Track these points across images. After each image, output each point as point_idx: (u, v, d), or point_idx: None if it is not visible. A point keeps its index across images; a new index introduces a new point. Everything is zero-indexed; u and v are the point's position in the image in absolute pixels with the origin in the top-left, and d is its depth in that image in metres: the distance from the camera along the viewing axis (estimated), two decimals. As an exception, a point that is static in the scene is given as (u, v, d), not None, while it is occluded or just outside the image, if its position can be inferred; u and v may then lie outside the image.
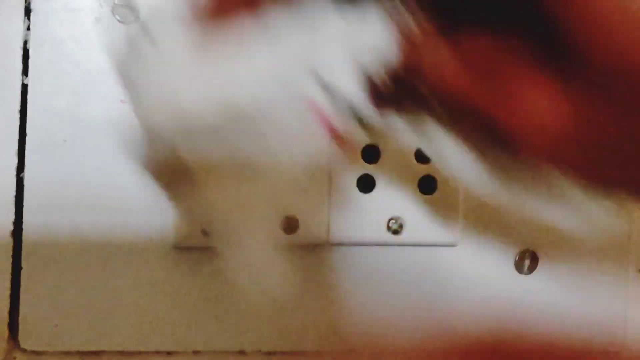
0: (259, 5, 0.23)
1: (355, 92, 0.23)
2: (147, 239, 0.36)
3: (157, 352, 0.37)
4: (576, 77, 0.19)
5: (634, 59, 0.18)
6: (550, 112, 0.20)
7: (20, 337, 0.36)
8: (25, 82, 0.35)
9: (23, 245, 0.36)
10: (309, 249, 0.37)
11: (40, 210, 0.35)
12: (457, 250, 0.38)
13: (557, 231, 0.38)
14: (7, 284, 0.35)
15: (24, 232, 0.35)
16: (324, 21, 0.23)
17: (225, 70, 0.24)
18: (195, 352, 0.37)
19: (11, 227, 0.35)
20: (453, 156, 0.25)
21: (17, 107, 0.35)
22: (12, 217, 0.35)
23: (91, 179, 0.36)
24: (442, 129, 0.25)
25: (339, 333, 0.37)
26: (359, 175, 0.37)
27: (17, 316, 0.36)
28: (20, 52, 0.35)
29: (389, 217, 0.37)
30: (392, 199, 0.37)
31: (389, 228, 0.37)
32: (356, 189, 0.37)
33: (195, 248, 0.36)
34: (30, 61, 0.35)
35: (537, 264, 0.38)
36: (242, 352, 0.37)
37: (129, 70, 0.25)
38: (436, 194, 0.37)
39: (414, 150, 0.36)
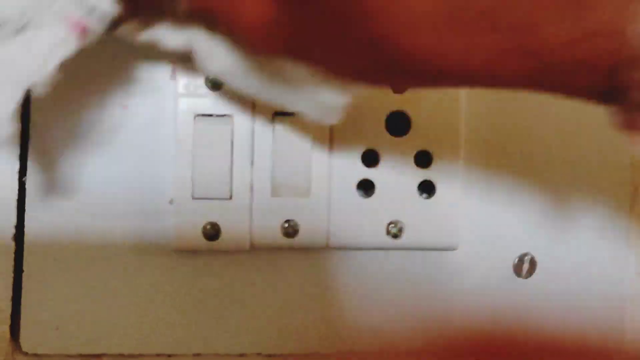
0: None
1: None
2: (148, 242, 0.36)
3: (158, 355, 0.37)
4: None
5: None
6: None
7: (22, 340, 0.36)
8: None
9: (25, 248, 0.36)
10: (309, 253, 0.37)
11: (42, 214, 0.35)
12: (456, 254, 0.38)
13: (555, 235, 0.38)
14: (9, 286, 0.35)
15: (25, 235, 0.36)
16: None
17: None
18: (196, 355, 0.37)
19: (13, 231, 0.35)
20: (212, 55, 0.30)
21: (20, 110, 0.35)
22: (14, 220, 0.35)
23: (93, 182, 0.36)
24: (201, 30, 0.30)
25: (339, 336, 0.37)
26: (359, 179, 0.37)
27: (19, 319, 0.36)
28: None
29: (389, 221, 0.37)
30: (392, 203, 0.37)
31: (388, 232, 0.37)
32: (356, 193, 0.37)
33: (196, 251, 0.36)
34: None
35: (535, 268, 0.38)
36: (242, 355, 0.38)
37: None
38: (436, 198, 0.37)
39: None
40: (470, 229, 0.38)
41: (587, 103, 0.25)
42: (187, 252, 0.36)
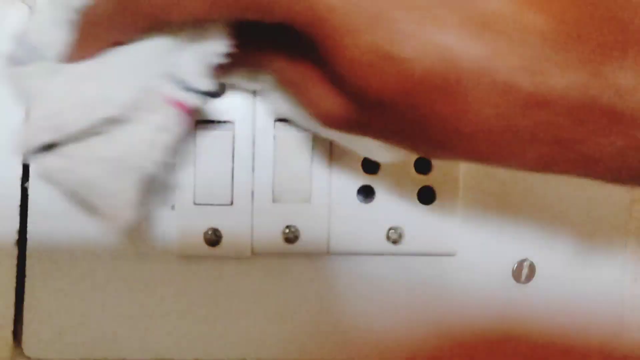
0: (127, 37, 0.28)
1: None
2: (151, 248, 0.36)
3: (160, 360, 0.37)
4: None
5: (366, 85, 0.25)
6: (328, 100, 0.27)
7: (24, 345, 0.36)
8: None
9: (27, 253, 0.36)
10: (310, 258, 0.37)
11: (44, 220, 0.36)
12: (456, 260, 0.38)
13: (554, 240, 0.38)
14: (12, 291, 0.36)
15: (28, 241, 0.36)
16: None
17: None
18: (197, 360, 0.38)
19: (16, 236, 0.35)
20: (281, 101, 0.32)
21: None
22: (16, 226, 0.35)
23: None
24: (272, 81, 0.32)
25: (339, 341, 0.38)
26: (359, 185, 0.37)
27: (21, 324, 0.36)
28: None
29: (389, 226, 0.37)
30: (392, 208, 0.37)
31: (388, 238, 0.37)
32: (356, 198, 0.37)
33: (199, 257, 0.36)
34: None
35: (534, 273, 0.38)
36: (243, 360, 0.38)
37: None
38: (435, 204, 0.37)
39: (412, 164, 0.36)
40: (469, 234, 0.38)
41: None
42: (189, 257, 0.36)
